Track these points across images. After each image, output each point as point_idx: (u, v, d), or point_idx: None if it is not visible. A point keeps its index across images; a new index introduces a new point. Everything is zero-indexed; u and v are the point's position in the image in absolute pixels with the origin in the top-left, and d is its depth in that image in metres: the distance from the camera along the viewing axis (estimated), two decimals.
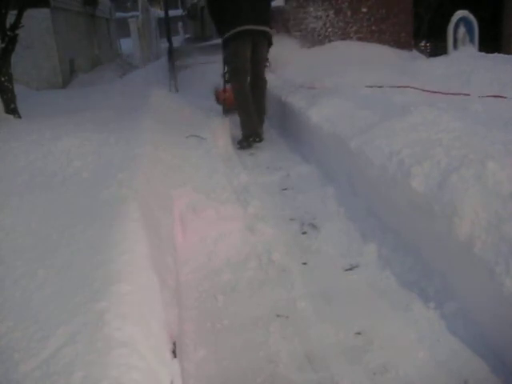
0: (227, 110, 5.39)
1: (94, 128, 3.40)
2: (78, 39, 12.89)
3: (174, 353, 1.64)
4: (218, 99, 5.80)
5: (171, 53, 7.97)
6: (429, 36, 8.05)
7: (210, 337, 2.05)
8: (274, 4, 8.99)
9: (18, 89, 4.77)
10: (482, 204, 2.02)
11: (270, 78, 5.64)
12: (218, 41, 11.01)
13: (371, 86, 4.18)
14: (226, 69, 4.76)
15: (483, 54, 4.97)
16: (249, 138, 4.56)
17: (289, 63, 6.32)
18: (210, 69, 7.77)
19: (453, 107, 3.09)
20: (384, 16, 7.62)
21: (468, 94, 3.34)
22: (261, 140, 4.60)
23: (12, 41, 4.51)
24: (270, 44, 4.66)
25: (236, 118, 4.76)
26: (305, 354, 1.92)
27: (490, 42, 6.37)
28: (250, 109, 4.59)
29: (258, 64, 4.69)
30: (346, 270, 2.44)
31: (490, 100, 3.16)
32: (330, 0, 7.50)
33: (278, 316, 2.14)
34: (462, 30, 5.90)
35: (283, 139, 4.87)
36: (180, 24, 20.25)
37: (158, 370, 1.38)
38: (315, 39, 7.55)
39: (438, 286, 2.15)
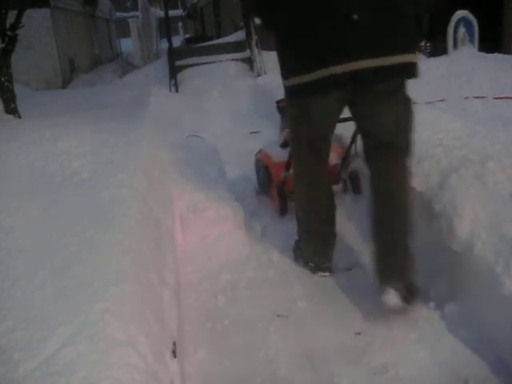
0: (287, 201, 2.91)
1: (94, 128, 3.40)
2: (78, 39, 12.90)
3: (174, 353, 1.64)
4: (269, 181, 3.06)
5: (171, 53, 7.96)
6: (429, 36, 8.04)
7: (210, 337, 2.05)
8: None
9: (17, 89, 4.78)
10: (481, 204, 2.02)
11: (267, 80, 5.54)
12: (218, 41, 10.95)
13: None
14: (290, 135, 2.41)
15: (483, 53, 4.97)
16: (308, 263, 2.43)
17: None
18: (211, 69, 7.79)
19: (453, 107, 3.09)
20: None
21: None
22: (328, 271, 2.40)
23: (12, 41, 4.51)
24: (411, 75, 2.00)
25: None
26: (305, 353, 1.92)
27: (490, 42, 6.36)
28: (313, 212, 2.34)
29: (373, 139, 2.13)
30: (347, 270, 2.44)
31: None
32: None
33: (278, 316, 2.14)
34: (461, 30, 5.91)
35: None
36: (180, 24, 20.23)
37: (157, 369, 1.38)
38: None
39: (438, 286, 2.15)
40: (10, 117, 4.46)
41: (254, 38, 8.00)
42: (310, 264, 2.41)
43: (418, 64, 1.98)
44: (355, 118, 2.18)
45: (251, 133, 4.80)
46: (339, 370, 1.82)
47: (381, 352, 1.88)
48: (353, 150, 2.74)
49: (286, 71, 2.10)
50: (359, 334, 1.99)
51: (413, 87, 2.06)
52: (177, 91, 7.43)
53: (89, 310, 1.38)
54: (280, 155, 2.94)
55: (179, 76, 7.85)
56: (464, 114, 2.93)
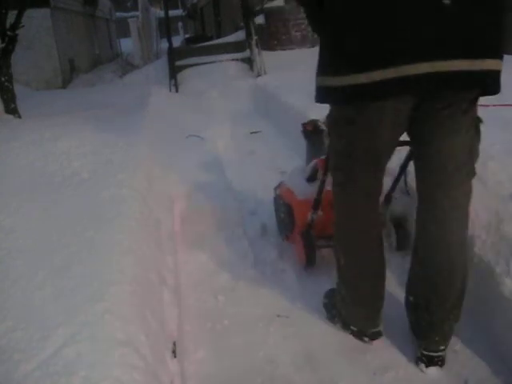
0: (314, 250, 2.36)
1: (94, 128, 3.41)
2: (78, 39, 12.90)
3: (174, 353, 1.64)
4: (290, 219, 2.48)
5: (171, 53, 7.96)
6: None
7: (210, 337, 2.05)
8: (274, 4, 9.07)
9: (17, 89, 4.78)
10: (481, 204, 2.02)
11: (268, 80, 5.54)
12: (218, 41, 10.95)
13: None
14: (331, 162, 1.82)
15: None
16: (349, 326, 1.94)
17: (287, 64, 6.32)
18: (210, 69, 7.79)
19: None
20: None
21: None
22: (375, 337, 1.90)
23: (12, 41, 4.52)
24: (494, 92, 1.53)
25: None
26: (305, 353, 1.92)
27: None
28: (365, 286, 1.82)
29: (435, 174, 1.59)
30: None
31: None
32: None
33: (278, 316, 2.14)
34: None
35: None
36: (180, 24, 20.23)
37: (157, 369, 1.38)
38: (315, 39, 7.55)
39: None
40: (10, 117, 4.47)
41: (254, 38, 8.00)
42: (353, 328, 1.92)
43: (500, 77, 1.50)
44: (413, 140, 1.66)
45: (251, 133, 4.80)
46: (339, 370, 1.82)
47: (381, 352, 1.88)
48: (401, 186, 2.23)
49: (334, 66, 1.49)
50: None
51: None
52: (177, 91, 7.43)
53: (89, 309, 1.38)
54: (306, 191, 2.39)
55: (179, 76, 7.85)
56: None
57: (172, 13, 14.21)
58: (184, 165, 3.41)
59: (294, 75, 5.86)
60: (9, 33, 4.46)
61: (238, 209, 2.94)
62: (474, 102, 1.55)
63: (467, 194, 1.63)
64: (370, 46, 1.41)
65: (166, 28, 8.56)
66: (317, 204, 2.25)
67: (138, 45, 13.27)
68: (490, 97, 1.60)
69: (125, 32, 19.92)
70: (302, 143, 2.77)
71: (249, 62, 8.27)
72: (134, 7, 21.25)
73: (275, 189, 2.67)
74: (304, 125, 2.65)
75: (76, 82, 11.14)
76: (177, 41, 13.43)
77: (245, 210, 2.99)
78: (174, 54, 7.96)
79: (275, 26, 8.72)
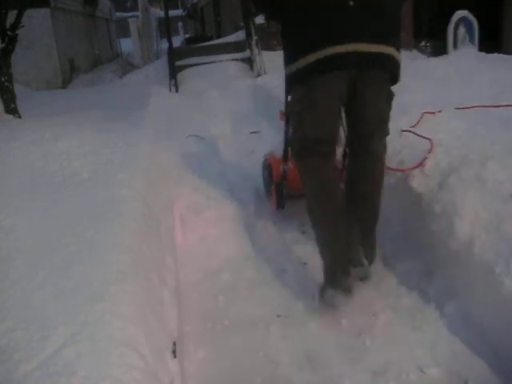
0: (285, 198, 2.85)
1: (94, 128, 3.40)
2: (78, 39, 12.90)
3: (174, 353, 1.64)
4: (270, 176, 3.03)
5: (171, 53, 7.96)
6: (429, 36, 8.04)
7: (210, 337, 2.05)
8: None
9: (17, 89, 4.77)
10: (482, 204, 2.02)
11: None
12: (218, 41, 10.95)
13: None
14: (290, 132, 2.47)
15: (483, 53, 4.97)
16: (333, 278, 2.11)
17: None
18: (210, 69, 7.79)
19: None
20: None
21: None
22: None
23: (12, 41, 4.51)
24: (394, 80, 2.21)
25: None
26: (305, 353, 1.92)
27: (490, 42, 6.36)
28: (333, 221, 2.18)
29: (360, 128, 2.22)
30: None
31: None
32: None
33: (278, 316, 2.14)
34: (462, 29, 5.91)
35: None
36: (180, 24, 20.23)
37: (157, 369, 1.38)
38: None
39: (438, 286, 2.15)
40: (10, 117, 4.46)
41: (254, 38, 8.00)
42: (337, 282, 2.10)
43: (400, 63, 2.16)
44: (347, 107, 2.19)
45: (251, 133, 4.79)
46: (339, 370, 1.82)
47: (381, 352, 1.88)
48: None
49: (293, 55, 2.13)
50: (359, 334, 1.99)
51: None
52: (177, 91, 7.43)
53: (89, 309, 1.38)
54: (276, 156, 2.94)
55: (179, 76, 7.85)
56: (464, 114, 2.93)
57: (172, 13, 14.22)
58: (184, 165, 3.41)
59: None
60: (9, 33, 4.46)
61: (238, 209, 2.94)
62: (388, 78, 2.15)
63: (384, 145, 2.26)
64: (310, 40, 2.06)
65: (166, 28, 8.56)
66: (285, 155, 2.74)
67: (138, 45, 13.27)
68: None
69: (125, 32, 19.92)
70: None
71: (249, 62, 8.27)
72: (134, 7, 21.26)
73: (264, 155, 3.15)
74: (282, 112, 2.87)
75: (76, 81, 11.14)
76: (177, 41, 13.43)
77: (245, 209, 2.99)
78: (174, 54, 7.95)
79: (275, 26, 8.71)
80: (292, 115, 2.30)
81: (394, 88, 2.21)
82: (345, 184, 2.29)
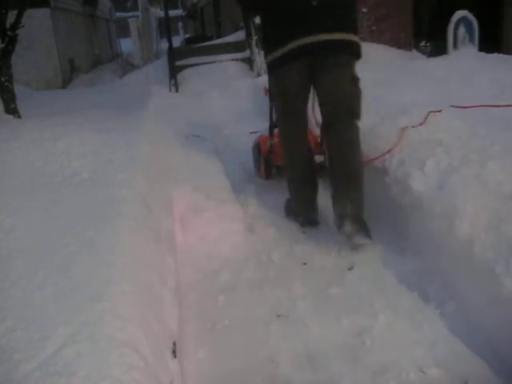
0: (273, 170, 3.38)
1: (94, 128, 3.40)
2: (78, 39, 12.90)
3: (174, 353, 1.64)
4: (259, 151, 3.45)
5: (171, 53, 7.96)
6: (429, 36, 8.04)
7: (210, 337, 2.05)
8: None
9: (17, 89, 4.77)
10: (481, 204, 2.02)
11: None
12: (218, 41, 10.96)
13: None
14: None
15: (483, 53, 4.97)
16: (297, 217, 2.90)
17: None
18: (210, 69, 7.79)
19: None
20: (384, 16, 7.62)
21: None
22: (315, 223, 2.84)
23: (12, 41, 4.51)
24: (356, 57, 2.62)
25: None
26: (305, 353, 1.92)
27: (490, 42, 6.36)
28: (296, 168, 2.82)
29: (331, 102, 2.62)
30: (348, 269, 2.44)
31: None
32: None
33: (278, 316, 2.14)
34: (462, 29, 5.90)
35: None
36: (180, 24, 20.23)
37: (158, 369, 1.38)
38: None
39: (438, 286, 2.15)
40: (10, 117, 4.45)
41: (254, 38, 7.99)
42: (300, 219, 2.87)
43: (360, 45, 2.60)
44: (315, 88, 2.68)
45: (251, 132, 4.79)
46: (339, 370, 1.82)
47: (381, 352, 1.88)
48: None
49: (269, 50, 2.67)
50: (359, 334, 1.99)
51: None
52: (177, 91, 7.43)
53: (89, 309, 1.38)
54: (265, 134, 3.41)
55: (179, 76, 7.85)
56: (464, 114, 2.93)
57: (172, 13, 14.22)
58: (184, 164, 3.41)
59: None
60: (9, 33, 4.45)
61: (238, 209, 2.93)
62: (347, 63, 2.56)
63: (358, 134, 2.59)
64: (280, 34, 2.57)
65: (166, 28, 8.56)
66: (271, 130, 3.24)
67: (138, 45, 13.26)
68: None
69: (125, 32, 19.91)
70: None
71: (249, 62, 8.27)
72: (134, 7, 21.25)
73: (256, 137, 3.58)
74: (265, 88, 3.28)
75: (76, 81, 11.14)
76: (177, 41, 13.43)
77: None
78: (174, 54, 7.95)
79: None
80: (271, 97, 2.93)
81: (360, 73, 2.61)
82: (326, 153, 2.80)
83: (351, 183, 2.58)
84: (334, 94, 2.58)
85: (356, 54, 2.58)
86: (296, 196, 2.87)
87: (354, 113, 2.59)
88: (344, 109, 2.58)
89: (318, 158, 3.02)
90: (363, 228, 2.51)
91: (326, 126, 2.69)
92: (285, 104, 2.74)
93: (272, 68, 2.69)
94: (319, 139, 3.22)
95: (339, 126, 2.59)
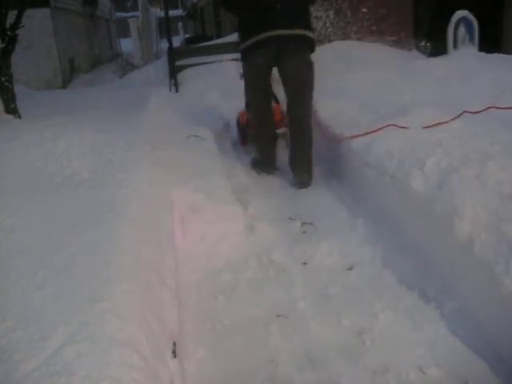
0: (249, 138, 4.26)
1: (94, 128, 3.40)
2: (78, 39, 12.90)
3: (174, 353, 1.64)
4: (239, 123, 4.47)
5: (171, 53, 7.95)
6: (429, 36, 8.04)
7: (210, 337, 2.05)
8: None
9: (17, 89, 4.77)
10: (481, 204, 2.02)
11: None
12: (218, 41, 10.95)
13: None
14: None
15: (483, 53, 4.97)
16: (261, 166, 3.79)
17: None
18: (211, 69, 7.78)
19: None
20: (384, 16, 7.62)
21: None
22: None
23: (12, 41, 4.50)
24: (311, 49, 3.47)
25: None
26: (305, 353, 1.92)
27: (490, 42, 6.36)
28: (262, 133, 3.72)
29: (289, 85, 3.49)
30: (348, 269, 2.44)
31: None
32: (330, 0, 7.51)
33: (278, 316, 2.14)
34: (462, 30, 5.90)
35: None
36: (180, 24, 20.22)
37: (157, 369, 1.38)
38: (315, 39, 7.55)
39: (438, 286, 2.15)
40: (10, 117, 4.45)
41: None
42: (264, 167, 3.76)
43: (314, 39, 3.48)
44: (279, 69, 3.49)
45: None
46: (339, 370, 1.82)
47: (381, 352, 1.88)
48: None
49: (243, 39, 3.49)
50: (359, 333, 1.99)
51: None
52: (177, 91, 7.42)
53: (89, 310, 1.38)
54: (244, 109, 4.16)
55: (179, 76, 7.84)
56: (463, 114, 2.93)
57: (172, 13, 14.20)
58: (184, 164, 3.40)
59: None
60: (9, 33, 4.45)
61: (238, 209, 2.93)
62: (305, 50, 3.42)
63: (310, 106, 3.53)
64: (251, 28, 3.36)
65: (166, 28, 8.55)
66: (247, 105, 3.93)
67: (138, 45, 13.26)
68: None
69: (125, 32, 19.91)
70: None
71: None
72: (134, 7, 21.25)
73: (237, 113, 4.46)
74: (240, 73, 3.91)
75: (76, 81, 11.14)
76: (177, 41, 13.43)
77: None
78: (174, 54, 7.94)
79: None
80: (244, 76, 3.65)
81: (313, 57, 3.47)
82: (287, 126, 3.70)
83: (305, 140, 3.50)
84: (294, 74, 3.43)
85: (310, 44, 3.45)
86: (261, 150, 3.77)
87: (308, 87, 3.46)
88: (301, 84, 3.45)
89: (283, 130, 3.91)
90: (310, 175, 3.50)
91: (287, 96, 3.54)
92: (254, 80, 3.56)
93: (246, 53, 3.48)
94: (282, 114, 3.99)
95: (297, 96, 3.47)
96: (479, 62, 4.40)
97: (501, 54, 4.89)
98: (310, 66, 3.43)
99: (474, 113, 2.91)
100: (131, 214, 2.07)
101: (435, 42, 7.12)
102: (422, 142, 2.66)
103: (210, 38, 11.74)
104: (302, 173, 3.46)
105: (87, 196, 2.24)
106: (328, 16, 7.57)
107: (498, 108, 2.94)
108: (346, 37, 7.62)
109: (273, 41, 3.29)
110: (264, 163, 3.75)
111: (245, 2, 3.44)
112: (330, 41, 7.55)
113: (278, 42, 3.29)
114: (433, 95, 3.58)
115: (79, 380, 1.14)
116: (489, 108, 2.96)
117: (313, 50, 3.45)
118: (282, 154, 3.86)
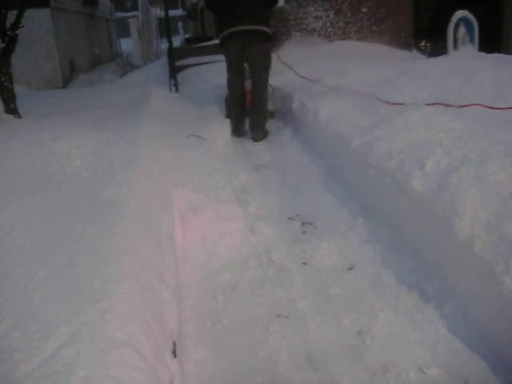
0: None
1: (94, 128, 3.40)
2: (78, 39, 12.90)
3: (174, 353, 1.64)
4: (227, 100, 5.38)
5: (171, 53, 7.95)
6: (429, 36, 8.05)
7: (210, 337, 2.05)
8: None
9: (18, 89, 4.78)
10: (481, 204, 2.02)
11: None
12: (218, 41, 11.00)
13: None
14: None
15: (483, 53, 4.97)
16: (235, 131, 4.93)
17: (291, 63, 6.29)
18: (210, 69, 7.78)
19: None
20: (384, 16, 7.63)
21: None
22: (241, 135, 4.93)
23: (12, 41, 4.51)
24: (267, 40, 4.74)
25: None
26: (305, 353, 1.92)
27: (490, 42, 6.36)
28: (234, 101, 4.98)
29: (253, 63, 4.86)
30: (348, 269, 2.44)
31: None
32: (330, 0, 7.51)
33: (278, 316, 2.14)
34: (462, 30, 5.90)
35: None
36: (180, 24, 20.24)
37: (158, 369, 1.38)
38: (315, 39, 7.55)
39: (438, 286, 2.15)
40: (10, 117, 4.46)
41: None
42: (233, 128, 4.84)
43: (270, 33, 4.79)
44: (246, 54, 4.73)
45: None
46: (339, 369, 1.82)
47: (381, 352, 1.88)
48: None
49: (219, 32, 4.81)
50: (359, 333, 1.99)
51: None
52: (177, 91, 7.41)
53: (89, 310, 1.38)
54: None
55: (179, 76, 7.83)
56: (464, 114, 2.93)
57: (172, 13, 14.18)
58: (184, 164, 3.40)
59: (292, 74, 5.84)
60: (9, 33, 4.46)
61: (238, 209, 2.93)
62: (263, 42, 4.74)
63: (266, 82, 4.93)
64: (226, 24, 4.75)
65: (166, 28, 8.55)
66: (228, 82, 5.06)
67: (138, 45, 13.27)
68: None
69: (125, 32, 19.91)
70: None
71: None
72: (134, 7, 21.24)
73: (225, 94, 5.31)
74: None
75: (76, 81, 11.14)
76: (177, 41, 13.42)
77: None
78: (173, 54, 7.94)
79: (275, 26, 8.71)
80: (225, 59, 4.87)
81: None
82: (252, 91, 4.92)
83: (261, 107, 4.85)
84: (256, 58, 4.72)
85: (267, 37, 4.73)
86: (233, 116, 4.92)
87: (265, 68, 4.81)
88: (261, 66, 4.77)
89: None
90: (263, 132, 4.83)
91: (251, 76, 4.86)
92: (231, 62, 4.83)
93: (223, 42, 4.78)
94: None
95: (257, 74, 4.80)
96: (479, 62, 4.40)
97: (501, 54, 4.89)
98: (267, 53, 4.82)
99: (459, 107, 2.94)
100: (131, 214, 2.07)
101: (435, 42, 7.13)
102: (422, 141, 2.66)
103: (210, 38, 11.72)
104: (257, 131, 4.80)
105: (87, 196, 2.24)
106: (328, 16, 7.58)
107: (485, 106, 2.99)
108: (345, 37, 7.63)
109: (241, 33, 4.63)
110: (236, 128, 4.93)
111: (222, 4, 4.72)
112: (330, 41, 7.55)
113: (245, 34, 4.62)
114: (433, 95, 3.57)
115: (79, 380, 1.14)
116: (474, 105, 3.03)
117: (269, 41, 4.83)
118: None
